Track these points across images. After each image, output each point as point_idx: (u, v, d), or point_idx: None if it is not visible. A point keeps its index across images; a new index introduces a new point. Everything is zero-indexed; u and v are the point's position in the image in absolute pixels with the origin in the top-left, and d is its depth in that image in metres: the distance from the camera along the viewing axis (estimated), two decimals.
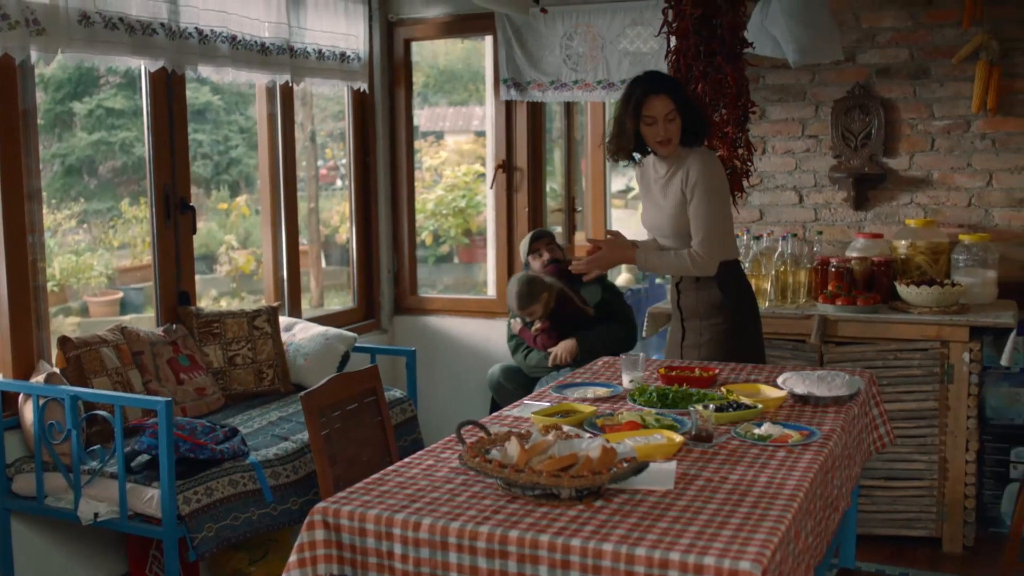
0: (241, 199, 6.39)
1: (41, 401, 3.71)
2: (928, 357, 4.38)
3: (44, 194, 4.14)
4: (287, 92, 5.23)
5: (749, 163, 4.63)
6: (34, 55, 3.66)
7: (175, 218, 4.55)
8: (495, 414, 3.16)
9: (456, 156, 7.83)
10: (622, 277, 6.64)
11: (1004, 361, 4.34)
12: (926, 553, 4.44)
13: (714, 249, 3.79)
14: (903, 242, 4.82)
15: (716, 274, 3.83)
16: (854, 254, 4.82)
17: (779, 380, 3.30)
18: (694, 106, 3.88)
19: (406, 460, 2.68)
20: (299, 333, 4.90)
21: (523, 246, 5.20)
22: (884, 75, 4.99)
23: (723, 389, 3.24)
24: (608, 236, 4.03)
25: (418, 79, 6.30)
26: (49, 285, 4.18)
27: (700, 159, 3.81)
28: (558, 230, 6.11)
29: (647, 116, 3.76)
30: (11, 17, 3.54)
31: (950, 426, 4.38)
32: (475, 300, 6.13)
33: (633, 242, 3.98)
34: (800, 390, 3.21)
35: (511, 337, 5.17)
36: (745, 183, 4.71)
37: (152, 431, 3.63)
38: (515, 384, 5.03)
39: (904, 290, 4.50)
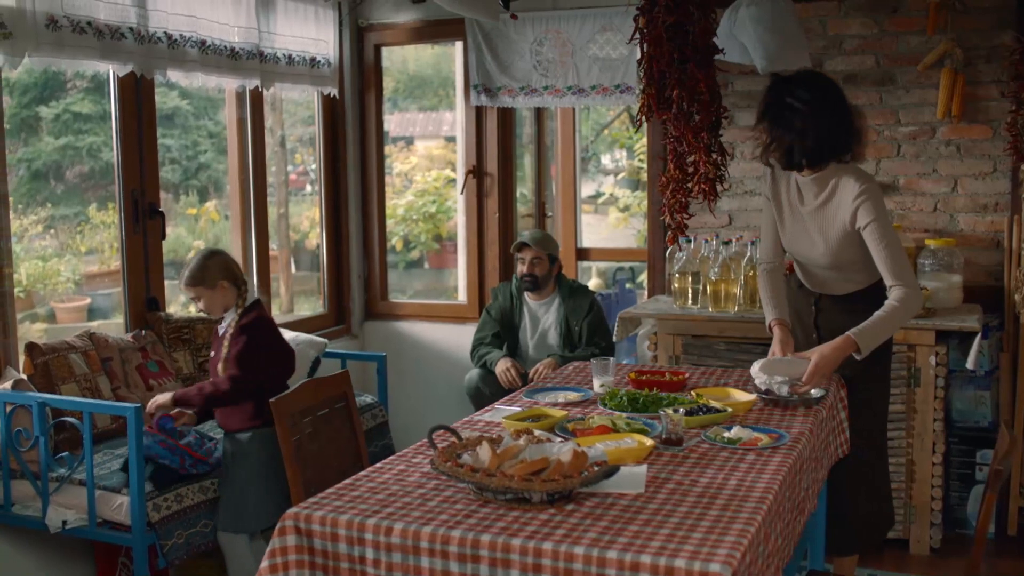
0: (210, 204, 6.35)
1: (8, 408, 3.68)
2: (895, 361, 4.42)
3: (10, 199, 4.10)
4: (257, 97, 5.21)
5: (723, 168, 4.66)
6: (0, 59, 3.63)
7: (144, 223, 4.52)
8: (466, 419, 3.17)
9: (426, 161, 7.83)
10: (592, 282, 6.66)
11: (970, 364, 4.39)
12: (893, 554, 4.48)
13: (912, 278, 3.35)
14: None
15: (869, 292, 3.50)
16: None
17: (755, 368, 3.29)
18: (797, 112, 3.33)
19: (378, 465, 2.68)
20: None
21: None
22: (851, 82, 5.03)
23: (693, 393, 3.26)
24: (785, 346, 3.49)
25: (388, 84, 6.30)
26: (16, 291, 4.13)
27: (859, 183, 3.35)
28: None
29: None
30: None
31: (917, 429, 4.42)
32: (446, 305, 6.13)
33: (845, 337, 3.28)
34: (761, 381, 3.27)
35: (475, 348, 5.20)
36: (719, 187, 4.73)
37: (162, 441, 3.65)
38: (493, 389, 5.04)
39: None
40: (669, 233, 4.85)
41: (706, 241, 4.86)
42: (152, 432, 3.68)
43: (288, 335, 4.87)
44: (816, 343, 3.53)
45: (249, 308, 3.91)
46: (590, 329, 5.01)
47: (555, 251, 5.13)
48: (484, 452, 2.42)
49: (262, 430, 3.80)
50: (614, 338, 5.01)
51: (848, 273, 3.54)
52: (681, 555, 1.99)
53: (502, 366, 4.99)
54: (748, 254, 4.72)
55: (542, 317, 5.15)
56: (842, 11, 5.01)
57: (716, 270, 4.68)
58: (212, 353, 4.01)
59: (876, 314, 3.30)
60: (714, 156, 4.54)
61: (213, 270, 3.83)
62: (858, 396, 3.59)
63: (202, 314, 4.07)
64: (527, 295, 5.16)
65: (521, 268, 5.09)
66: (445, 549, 2.14)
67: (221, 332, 3.92)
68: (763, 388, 3.29)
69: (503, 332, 5.19)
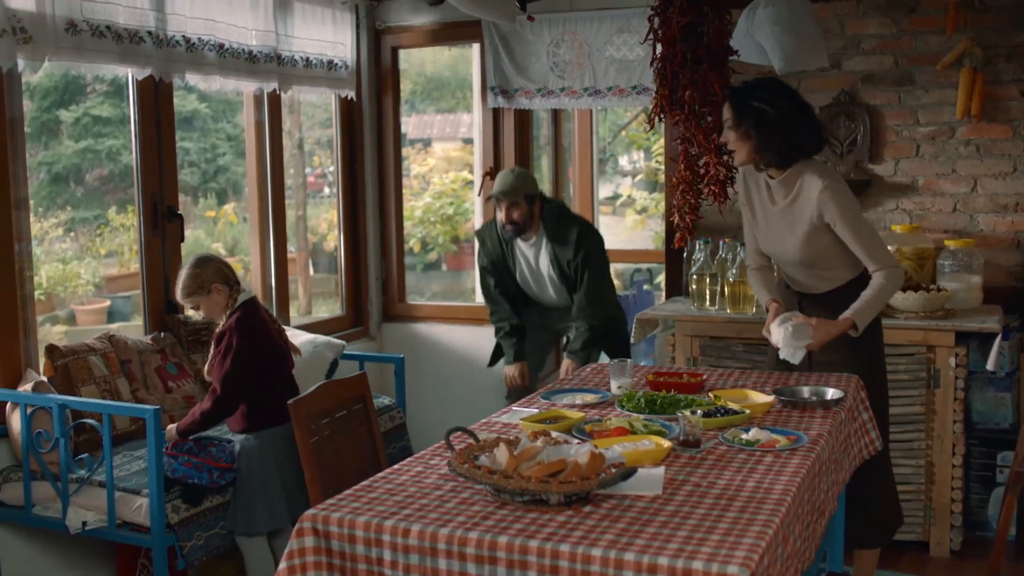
0: (229, 207, 6.38)
1: (29, 410, 3.70)
2: (914, 362, 4.40)
3: (31, 202, 4.13)
4: (275, 100, 5.23)
5: (734, 170, 4.65)
6: (21, 64, 3.66)
7: (163, 226, 4.54)
8: (483, 420, 3.17)
9: (444, 163, 7.85)
10: None
11: (990, 366, 4.37)
12: (913, 557, 4.46)
13: (891, 258, 3.55)
14: (889, 248, 4.83)
15: (850, 289, 3.62)
16: None
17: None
18: (770, 118, 3.48)
19: (395, 467, 2.68)
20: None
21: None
22: (869, 82, 5.01)
23: (711, 394, 3.25)
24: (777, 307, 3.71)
25: (405, 87, 6.31)
26: (36, 294, 4.17)
27: (821, 179, 3.50)
28: None
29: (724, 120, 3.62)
30: None
31: (936, 431, 4.40)
32: (463, 307, 6.14)
33: (842, 316, 3.52)
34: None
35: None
36: (730, 191, 4.72)
37: (187, 461, 3.67)
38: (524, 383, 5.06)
39: None
40: (678, 234, 4.86)
41: (724, 242, 4.84)
42: (173, 454, 3.69)
43: (306, 337, 4.88)
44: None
45: (234, 311, 3.83)
46: (582, 266, 4.77)
47: (531, 189, 4.81)
48: (501, 454, 2.42)
49: (270, 431, 3.80)
50: (632, 340, 4.99)
51: (821, 270, 3.67)
52: (699, 557, 1.99)
53: (509, 372, 5.00)
54: None
55: (534, 259, 4.96)
56: (860, 11, 4.99)
57: (734, 271, 4.66)
58: None
59: (865, 293, 3.51)
60: (725, 158, 4.54)
61: (205, 276, 3.81)
62: None
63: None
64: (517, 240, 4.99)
65: (500, 217, 4.85)
66: (462, 551, 2.14)
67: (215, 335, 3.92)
68: (778, 343, 3.52)
69: (502, 279, 5.06)
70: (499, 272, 5.04)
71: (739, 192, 3.82)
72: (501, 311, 5.06)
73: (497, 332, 5.09)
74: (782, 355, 3.56)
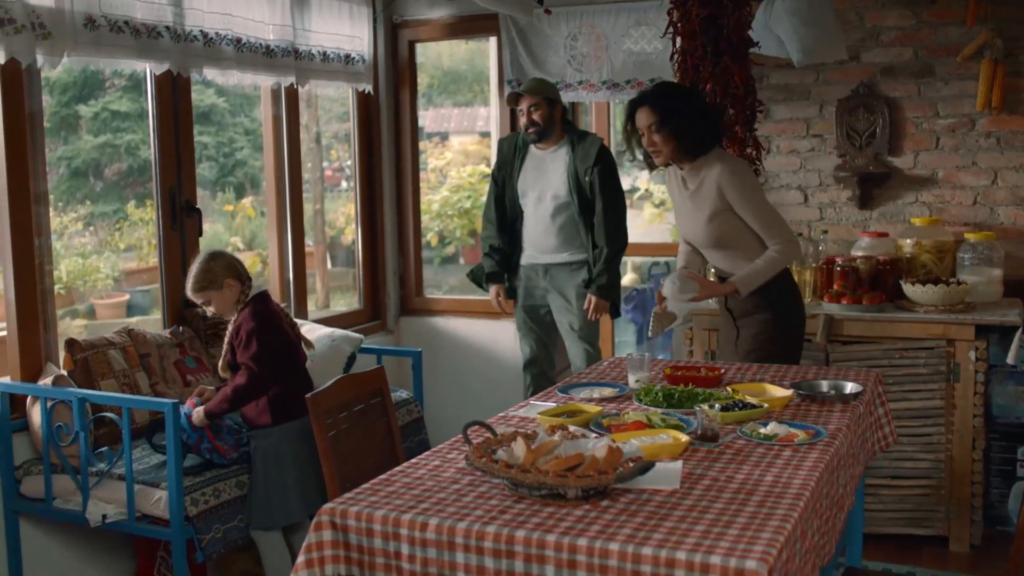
0: (247, 201, 6.40)
1: (49, 403, 3.73)
2: (934, 356, 4.38)
3: (51, 197, 4.15)
4: (292, 94, 5.24)
5: (758, 162, 4.64)
6: (40, 59, 3.68)
7: (181, 220, 4.56)
8: (501, 414, 3.17)
9: (461, 157, 7.84)
10: (627, 277, 6.64)
11: (1010, 359, 4.34)
12: (933, 551, 4.44)
13: (788, 230, 3.88)
14: (908, 241, 4.82)
15: None
16: (859, 253, 4.82)
17: None
18: (686, 115, 3.81)
19: (413, 461, 2.69)
20: (305, 334, 4.90)
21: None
22: (888, 74, 4.98)
23: (729, 388, 3.24)
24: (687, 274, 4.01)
25: (422, 80, 6.31)
26: (56, 288, 4.19)
27: (721, 164, 3.83)
28: None
29: (637, 128, 3.87)
30: (17, 21, 3.55)
31: (956, 425, 4.38)
32: (481, 301, 6.13)
33: (726, 279, 3.97)
34: None
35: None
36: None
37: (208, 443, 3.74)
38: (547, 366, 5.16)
39: (910, 289, 4.50)
40: None
41: None
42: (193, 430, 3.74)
43: (324, 331, 4.89)
44: (731, 324, 4.07)
45: (244, 305, 3.82)
46: (600, 180, 4.80)
47: (553, 94, 4.88)
48: (519, 448, 2.42)
49: (284, 425, 3.81)
50: (648, 334, 4.98)
51: (731, 251, 3.94)
52: (717, 552, 1.98)
53: (490, 295, 5.15)
54: None
55: (549, 165, 4.95)
56: (880, 2, 4.96)
57: None
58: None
59: (756, 262, 3.85)
60: (748, 150, 4.52)
61: (216, 271, 3.80)
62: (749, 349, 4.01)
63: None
64: (534, 146, 4.99)
65: (522, 120, 4.92)
66: (480, 545, 2.14)
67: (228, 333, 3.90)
68: (666, 295, 3.86)
69: (502, 196, 5.09)
70: (501, 186, 5.09)
71: (668, 183, 4.12)
72: (489, 229, 5.14)
73: (483, 251, 5.19)
74: (669, 306, 3.90)
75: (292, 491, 3.77)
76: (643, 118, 3.83)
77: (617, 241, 4.84)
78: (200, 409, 3.76)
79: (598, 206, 4.81)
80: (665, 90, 3.89)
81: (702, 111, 3.90)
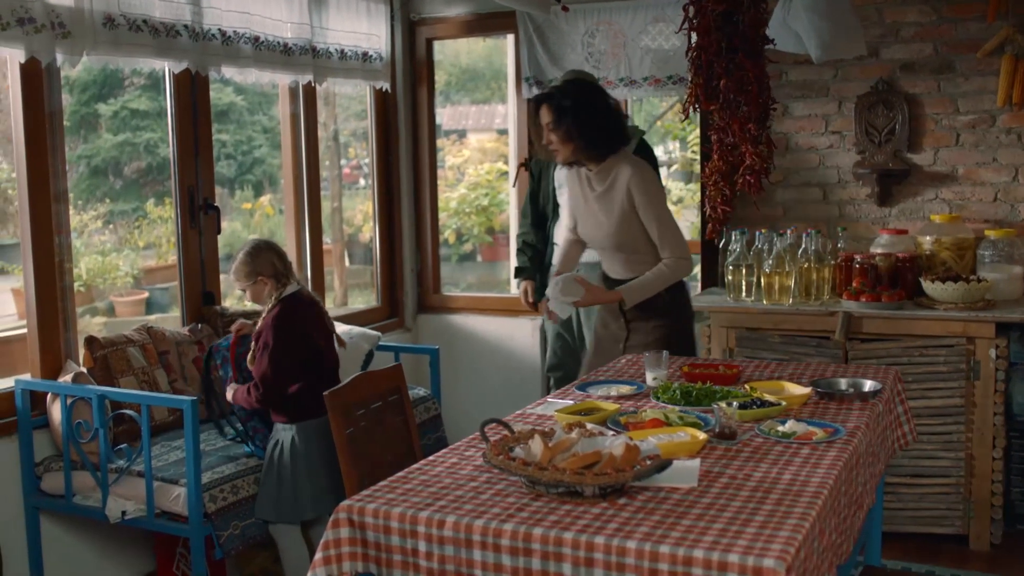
0: (265, 199, 6.43)
1: (69, 400, 3.75)
2: (954, 354, 4.35)
3: (70, 195, 4.18)
4: (310, 92, 5.25)
5: (769, 161, 4.62)
6: (60, 58, 3.70)
7: (200, 218, 4.58)
8: (518, 412, 3.17)
9: (479, 154, 7.85)
10: None
11: None
12: (953, 551, 4.42)
13: (684, 246, 3.92)
14: (928, 238, 4.79)
15: None
16: (878, 250, 4.79)
17: None
18: (584, 116, 3.78)
19: (430, 458, 2.69)
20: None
21: None
22: (908, 70, 4.96)
23: (747, 386, 3.23)
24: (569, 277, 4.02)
25: (440, 78, 6.32)
26: (76, 285, 4.21)
27: (632, 167, 3.85)
28: None
29: (539, 123, 3.86)
30: (37, 20, 3.57)
31: (976, 423, 4.35)
32: (498, 298, 6.14)
33: (614, 289, 3.99)
34: None
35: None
36: (765, 180, 4.69)
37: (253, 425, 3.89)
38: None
39: (929, 286, 4.47)
40: (710, 224, 4.82)
41: (760, 233, 4.81)
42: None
43: (342, 328, 4.90)
44: (623, 324, 4.05)
45: (274, 306, 3.82)
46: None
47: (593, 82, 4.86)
48: (536, 445, 2.42)
49: (305, 422, 3.80)
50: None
51: (633, 255, 3.96)
52: (734, 550, 1.98)
53: (519, 289, 5.18)
54: (803, 246, 4.67)
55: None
56: None
57: (770, 262, 4.63)
58: None
59: (645, 274, 3.88)
60: (761, 148, 4.50)
61: (253, 266, 3.81)
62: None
63: (257, 306, 4.07)
64: None
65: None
66: (497, 542, 2.15)
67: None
68: (551, 295, 3.86)
69: (538, 183, 5.09)
70: (536, 180, 5.11)
71: (557, 176, 4.17)
72: (524, 224, 5.18)
73: (516, 245, 5.22)
74: (551, 306, 3.88)
75: (314, 487, 3.78)
76: (543, 115, 3.82)
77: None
78: (231, 390, 3.84)
79: None
80: (567, 89, 3.86)
81: (604, 112, 3.84)
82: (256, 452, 3.90)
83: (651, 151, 4.88)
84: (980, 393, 4.33)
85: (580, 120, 3.75)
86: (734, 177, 4.66)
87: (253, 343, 3.85)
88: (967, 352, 4.33)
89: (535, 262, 5.11)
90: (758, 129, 4.51)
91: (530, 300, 5.14)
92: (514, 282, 5.43)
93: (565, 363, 5.13)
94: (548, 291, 3.91)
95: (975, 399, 4.34)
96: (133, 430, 3.86)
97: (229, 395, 3.86)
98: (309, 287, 5.32)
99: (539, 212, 5.10)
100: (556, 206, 5.00)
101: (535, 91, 5.67)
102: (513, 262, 5.32)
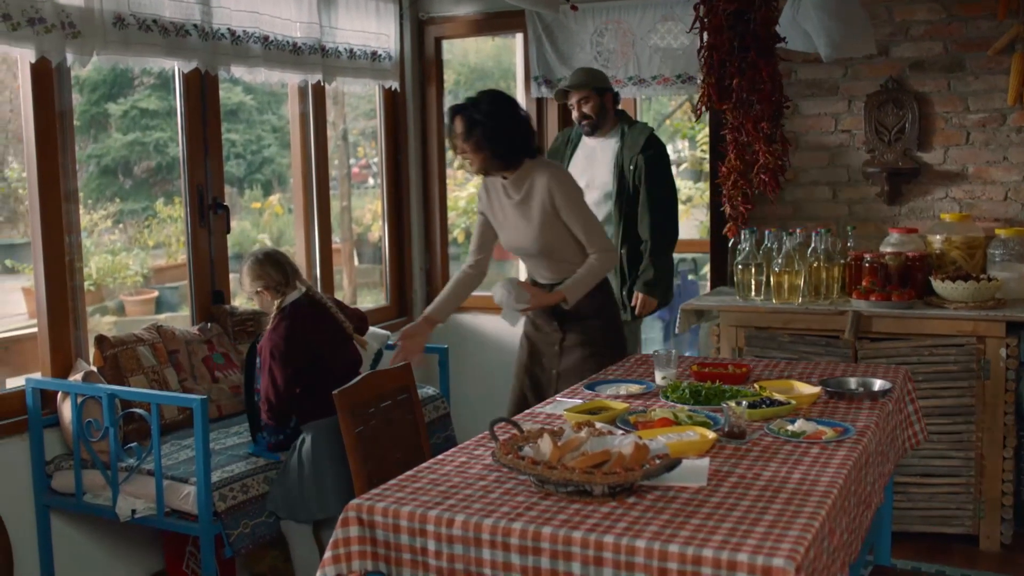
0: (274, 198, 6.43)
1: (79, 399, 3.76)
2: (964, 353, 4.34)
3: (80, 195, 4.19)
4: (319, 91, 5.26)
5: (784, 159, 4.61)
6: (70, 58, 3.71)
7: (209, 218, 4.59)
8: (527, 411, 3.17)
9: None
10: None
11: None
12: (963, 550, 4.40)
13: (606, 241, 3.97)
14: (938, 237, 4.78)
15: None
16: (888, 249, 4.78)
17: None
18: (493, 127, 3.81)
19: (439, 457, 2.69)
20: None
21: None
22: (918, 69, 4.94)
23: (756, 385, 3.23)
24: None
25: (449, 77, 6.32)
26: (86, 284, 4.23)
27: (548, 172, 3.90)
28: None
29: (454, 134, 3.89)
30: (47, 20, 3.58)
31: (987, 422, 4.34)
32: None
33: (553, 289, 3.98)
34: None
35: None
36: (781, 178, 4.68)
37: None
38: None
39: (939, 285, 4.46)
40: (729, 224, 4.81)
41: (769, 232, 4.80)
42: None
43: None
44: (556, 327, 4.07)
45: (276, 314, 3.88)
46: (647, 168, 4.69)
47: (601, 83, 4.82)
48: (545, 444, 2.42)
49: (316, 422, 3.82)
50: (675, 331, 4.95)
51: (555, 260, 3.98)
52: (744, 549, 1.97)
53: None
54: (812, 245, 4.66)
55: (599, 155, 4.89)
56: None
57: (780, 261, 4.62)
58: None
59: (578, 271, 3.92)
60: (775, 146, 4.50)
61: (253, 278, 3.89)
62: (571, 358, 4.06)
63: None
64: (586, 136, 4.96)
65: (574, 114, 4.89)
66: (506, 541, 2.15)
67: None
68: (500, 303, 3.92)
69: None
70: None
71: (480, 199, 4.14)
72: None
73: None
74: (503, 316, 3.97)
75: (325, 487, 3.78)
76: (456, 127, 3.86)
77: (663, 235, 4.75)
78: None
79: (643, 196, 4.72)
80: (479, 101, 3.87)
81: (514, 124, 3.87)
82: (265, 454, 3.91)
83: (663, 146, 4.84)
84: (990, 392, 4.31)
85: (488, 131, 3.79)
86: (750, 175, 4.66)
87: (258, 357, 3.88)
88: (977, 351, 4.32)
89: None
90: (771, 127, 4.50)
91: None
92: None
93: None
94: (497, 299, 3.92)
95: (985, 398, 4.33)
96: (143, 429, 3.87)
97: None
98: (318, 287, 5.33)
99: None
100: None
101: (544, 90, 5.68)
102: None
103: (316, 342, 3.88)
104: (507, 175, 3.94)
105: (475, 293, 4.29)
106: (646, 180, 4.69)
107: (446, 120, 3.92)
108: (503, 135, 3.82)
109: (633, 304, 4.77)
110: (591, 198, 4.81)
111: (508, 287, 3.90)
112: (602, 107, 4.80)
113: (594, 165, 4.88)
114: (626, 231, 4.78)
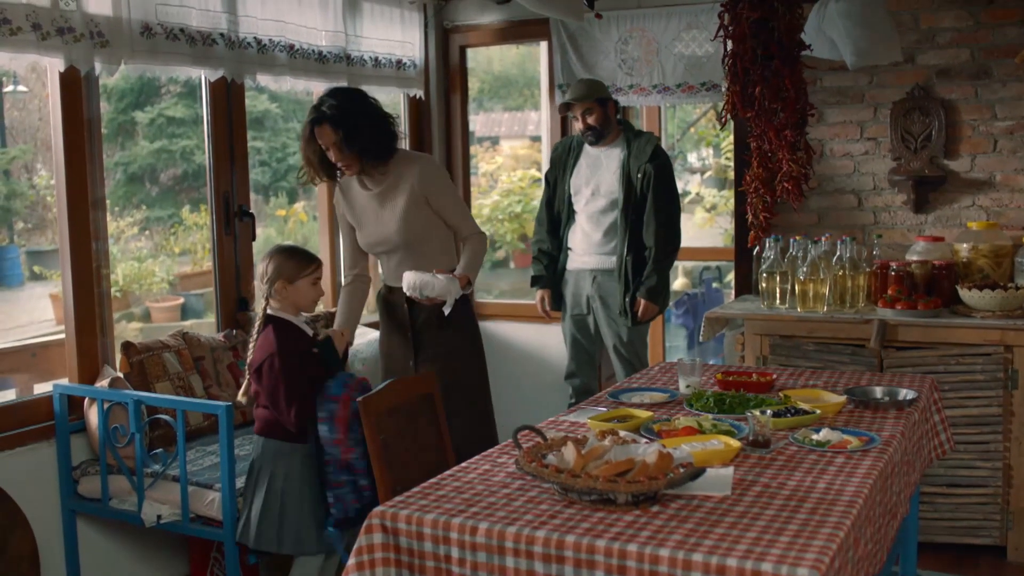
0: (299, 205, 6.46)
1: (106, 405, 3.79)
2: (991, 362, 4.31)
3: (108, 202, 4.22)
4: None
5: (808, 167, 4.59)
6: (98, 66, 3.74)
7: (235, 225, 4.61)
8: (551, 419, 3.17)
9: (512, 161, 7.86)
10: (678, 282, 6.61)
11: None
12: (990, 562, 4.36)
13: (476, 225, 4.13)
14: (965, 245, 4.74)
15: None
16: (914, 258, 4.75)
17: None
18: (367, 124, 3.83)
19: (463, 465, 2.69)
20: (356, 338, 4.93)
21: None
22: (944, 76, 4.92)
23: (781, 394, 3.22)
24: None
25: (473, 85, 6.33)
26: (113, 291, 4.26)
27: (418, 160, 4.00)
28: None
29: (322, 145, 3.87)
30: (76, 30, 3.62)
31: (1014, 432, 4.30)
32: (531, 305, 6.12)
33: (453, 273, 3.97)
34: None
35: None
36: (804, 187, 4.66)
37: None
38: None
39: (966, 294, 4.43)
40: (752, 232, 4.79)
41: (794, 240, 4.78)
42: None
43: (374, 334, 4.92)
44: (408, 338, 4.12)
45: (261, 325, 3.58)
46: (654, 177, 4.70)
47: (601, 93, 4.82)
48: (569, 453, 2.41)
49: (305, 446, 3.55)
50: (699, 339, 4.94)
51: (417, 250, 4.02)
52: (768, 559, 1.97)
53: (536, 298, 5.18)
54: (838, 253, 4.64)
55: (604, 163, 4.89)
56: (935, 4, 4.89)
57: (805, 269, 4.60)
58: None
59: (466, 255, 4.02)
60: (799, 154, 4.48)
61: (263, 278, 3.56)
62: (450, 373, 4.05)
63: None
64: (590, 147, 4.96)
65: (577, 126, 4.91)
66: (530, 549, 2.14)
67: None
68: (408, 292, 3.90)
69: (553, 191, 5.08)
70: (552, 187, 5.09)
71: (336, 206, 4.16)
72: (539, 232, 5.16)
73: (532, 254, 5.21)
74: (446, 309, 3.92)
75: (300, 516, 3.53)
76: (326, 136, 3.82)
77: (667, 242, 4.77)
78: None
79: (648, 204, 4.74)
80: (342, 103, 3.84)
81: (379, 115, 3.91)
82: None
83: (668, 156, 4.90)
84: (1018, 402, 4.28)
85: (364, 130, 3.82)
86: (773, 184, 4.64)
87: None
88: (1005, 361, 4.29)
89: (551, 269, 5.10)
90: (795, 136, 4.49)
91: (546, 309, 5.13)
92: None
93: (582, 371, 5.11)
94: (431, 292, 3.89)
95: (1013, 408, 4.29)
96: (168, 435, 3.89)
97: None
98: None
99: (554, 219, 5.08)
100: (572, 212, 5.00)
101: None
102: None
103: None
104: (383, 167, 3.96)
105: (499, 300, 4.30)
106: (654, 189, 4.73)
107: (305, 133, 3.88)
108: (376, 132, 3.87)
109: (636, 310, 4.79)
110: (596, 206, 4.85)
111: (444, 282, 3.87)
112: (605, 117, 4.84)
113: (599, 173, 4.90)
114: (632, 238, 4.79)
